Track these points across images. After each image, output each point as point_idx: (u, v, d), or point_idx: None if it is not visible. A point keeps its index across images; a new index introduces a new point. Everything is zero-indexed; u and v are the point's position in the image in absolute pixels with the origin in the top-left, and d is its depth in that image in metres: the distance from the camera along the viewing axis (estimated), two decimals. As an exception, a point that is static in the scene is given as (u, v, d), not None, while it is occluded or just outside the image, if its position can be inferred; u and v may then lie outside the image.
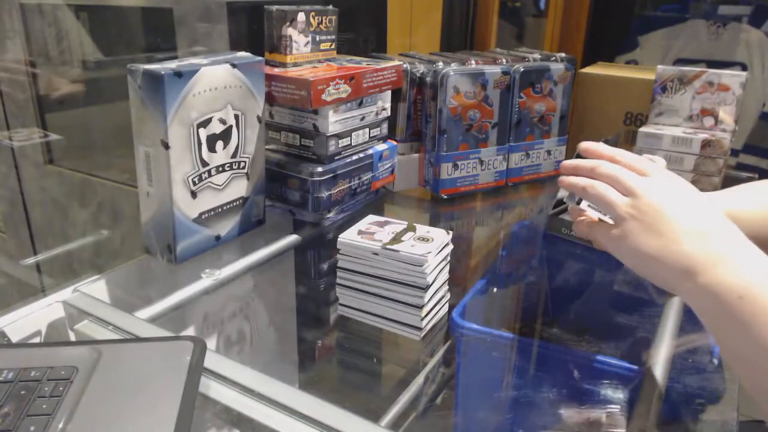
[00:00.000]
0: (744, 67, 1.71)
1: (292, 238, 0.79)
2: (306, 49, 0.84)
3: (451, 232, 0.66)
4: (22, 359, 0.45)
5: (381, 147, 0.89)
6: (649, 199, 0.48)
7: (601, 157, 0.54)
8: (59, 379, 0.42)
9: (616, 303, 0.73)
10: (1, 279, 1.51)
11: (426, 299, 0.62)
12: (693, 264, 0.44)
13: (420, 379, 0.58)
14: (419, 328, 0.63)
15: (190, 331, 0.66)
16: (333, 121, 0.79)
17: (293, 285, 0.80)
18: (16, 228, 1.54)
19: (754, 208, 0.57)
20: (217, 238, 0.74)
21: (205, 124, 0.68)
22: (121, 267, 0.74)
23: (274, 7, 0.81)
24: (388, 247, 0.62)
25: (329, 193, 0.81)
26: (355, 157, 0.84)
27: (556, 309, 0.75)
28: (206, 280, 0.68)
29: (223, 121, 0.70)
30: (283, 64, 0.82)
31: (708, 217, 0.46)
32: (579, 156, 0.57)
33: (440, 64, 0.96)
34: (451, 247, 0.67)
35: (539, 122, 1.00)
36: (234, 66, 0.70)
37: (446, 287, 0.68)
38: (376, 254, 0.63)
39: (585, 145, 0.56)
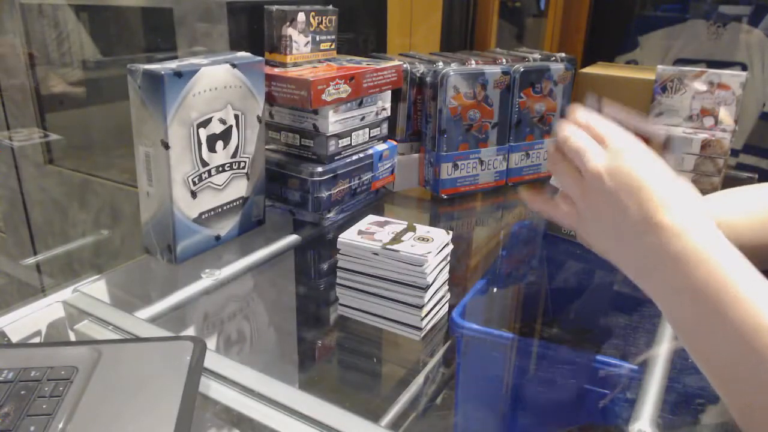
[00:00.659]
0: (744, 67, 1.71)
1: (292, 238, 0.79)
2: (306, 49, 0.84)
3: (451, 232, 0.66)
4: (22, 359, 0.45)
5: (381, 147, 0.89)
6: (599, 190, 0.45)
7: (575, 123, 0.50)
8: (59, 379, 0.42)
9: (616, 303, 0.73)
10: (1, 279, 1.51)
11: (426, 299, 0.62)
12: (641, 265, 0.43)
13: (420, 379, 0.58)
14: (419, 328, 0.63)
15: (190, 331, 0.66)
16: (333, 121, 0.79)
17: (293, 285, 0.80)
18: (16, 228, 1.53)
19: (743, 215, 0.55)
20: (217, 238, 0.74)
21: (205, 124, 0.68)
22: (121, 267, 0.74)
23: (274, 7, 0.81)
24: (388, 247, 0.62)
25: (329, 193, 0.81)
26: (355, 157, 0.84)
27: (556, 309, 0.75)
28: (206, 280, 0.68)
29: (223, 121, 0.70)
30: (283, 64, 0.82)
31: (661, 206, 0.43)
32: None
33: (440, 64, 0.96)
34: (451, 247, 0.67)
35: (539, 122, 1.00)
36: (234, 66, 0.70)
37: (446, 287, 0.68)
38: (376, 254, 0.63)
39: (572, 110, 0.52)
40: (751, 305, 0.38)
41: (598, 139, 0.48)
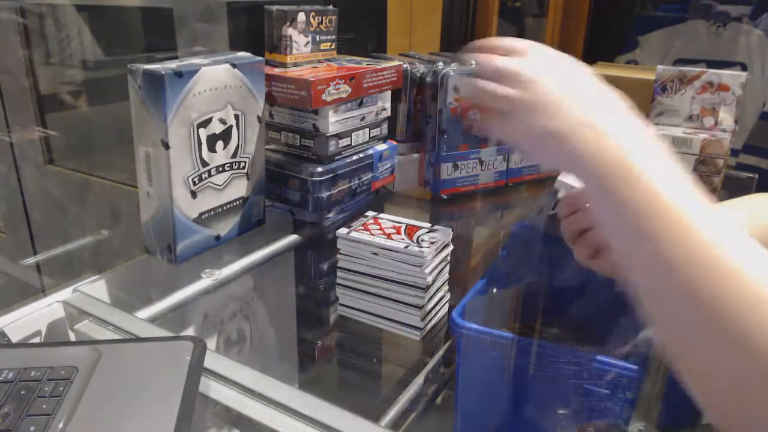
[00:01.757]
0: (744, 67, 1.71)
1: (292, 238, 0.79)
2: (306, 49, 0.84)
3: (451, 231, 0.66)
4: (22, 359, 0.45)
5: (381, 147, 0.89)
6: (527, 77, 0.44)
7: (481, 50, 0.49)
8: (59, 379, 0.42)
9: (616, 303, 0.73)
10: (1, 279, 1.51)
11: (426, 299, 0.62)
12: (566, 129, 0.41)
13: (420, 379, 0.58)
14: (419, 328, 0.63)
15: (190, 331, 0.66)
16: (333, 121, 0.79)
17: (293, 285, 0.80)
18: (16, 228, 1.53)
19: (758, 228, 0.52)
20: (217, 238, 0.74)
21: (205, 124, 0.68)
22: (121, 267, 0.74)
23: (274, 7, 0.81)
24: (388, 246, 0.62)
25: (329, 193, 0.81)
26: (355, 157, 0.84)
27: (556, 309, 0.74)
28: (206, 280, 0.68)
29: (223, 121, 0.70)
30: (283, 64, 0.82)
31: (587, 86, 0.44)
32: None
33: (440, 64, 0.96)
34: (451, 247, 0.67)
35: (539, 122, 1.00)
36: (234, 66, 0.70)
37: (446, 287, 0.68)
38: (375, 254, 0.63)
39: (472, 46, 0.51)
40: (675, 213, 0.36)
41: (510, 51, 0.47)
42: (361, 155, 0.85)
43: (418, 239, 0.63)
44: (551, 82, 0.44)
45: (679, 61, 1.80)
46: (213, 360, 0.51)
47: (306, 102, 0.75)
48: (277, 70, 0.80)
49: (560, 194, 0.63)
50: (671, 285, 0.36)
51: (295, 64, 0.83)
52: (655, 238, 0.36)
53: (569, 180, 0.59)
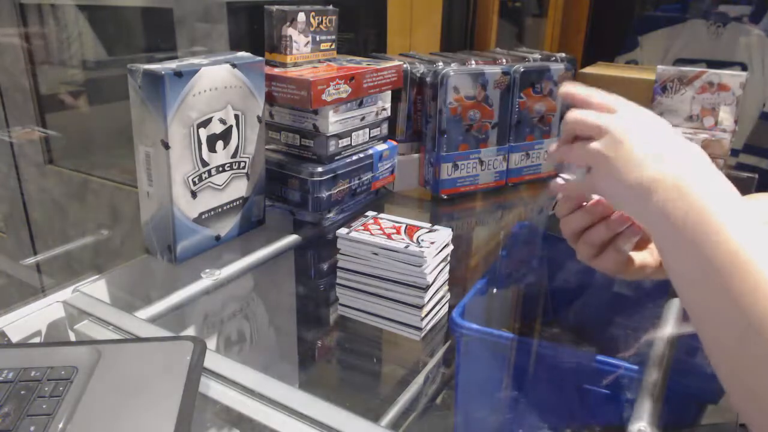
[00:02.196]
0: (744, 67, 1.71)
1: (292, 238, 0.79)
2: (306, 49, 0.84)
3: (451, 232, 0.66)
4: (22, 359, 0.45)
5: (381, 147, 0.89)
6: (614, 135, 0.48)
7: (574, 100, 0.53)
8: (59, 379, 0.42)
9: (616, 303, 0.73)
10: (1, 279, 1.51)
11: (426, 299, 0.62)
12: (648, 185, 0.44)
13: (420, 379, 0.58)
14: (419, 328, 0.63)
15: (190, 331, 0.66)
16: (333, 121, 0.79)
17: (293, 285, 0.80)
18: (16, 228, 1.54)
19: None
20: (217, 238, 0.74)
21: (205, 124, 0.68)
22: (121, 267, 0.74)
23: (274, 7, 0.81)
24: (387, 246, 0.62)
25: (329, 193, 0.81)
26: (355, 157, 0.84)
27: (556, 309, 0.75)
28: (206, 280, 0.68)
29: (223, 121, 0.70)
30: (284, 64, 0.82)
31: (668, 142, 0.47)
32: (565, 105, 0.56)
33: (440, 64, 0.96)
34: (451, 247, 0.67)
35: (539, 122, 1.00)
36: (234, 66, 0.70)
37: (446, 287, 0.68)
38: (375, 254, 0.63)
39: (563, 90, 0.54)
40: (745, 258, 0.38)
41: (598, 107, 0.51)
42: (361, 155, 0.85)
43: (418, 239, 0.63)
44: (637, 139, 0.47)
45: (679, 61, 1.80)
46: (213, 360, 0.51)
47: (306, 102, 0.75)
48: (277, 70, 0.80)
49: (558, 195, 0.63)
50: (739, 326, 0.37)
51: (295, 64, 0.83)
52: (730, 290, 0.38)
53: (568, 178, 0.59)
